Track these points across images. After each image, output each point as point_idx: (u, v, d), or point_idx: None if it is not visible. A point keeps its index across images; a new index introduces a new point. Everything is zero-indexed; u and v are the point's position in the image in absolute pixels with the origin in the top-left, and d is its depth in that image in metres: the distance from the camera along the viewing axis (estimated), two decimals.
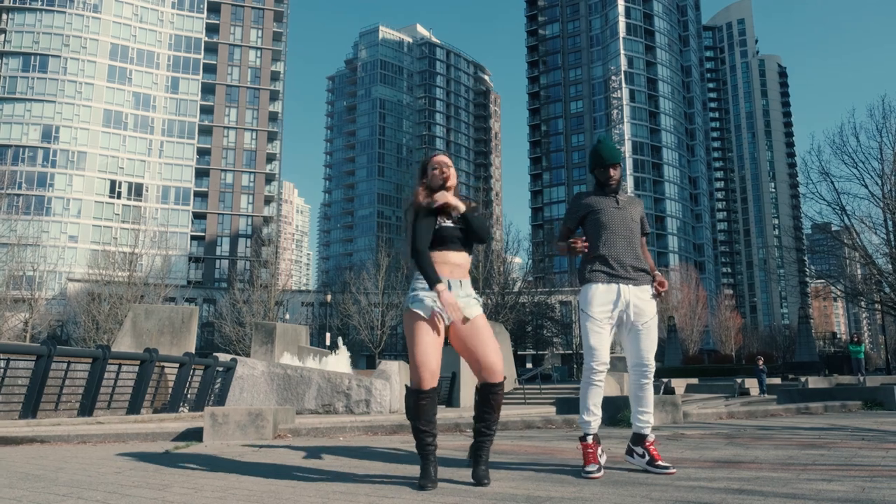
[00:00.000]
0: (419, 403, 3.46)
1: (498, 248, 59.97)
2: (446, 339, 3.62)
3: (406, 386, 3.55)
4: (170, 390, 13.44)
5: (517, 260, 68.98)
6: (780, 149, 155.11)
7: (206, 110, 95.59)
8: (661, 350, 75.00)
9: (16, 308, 49.25)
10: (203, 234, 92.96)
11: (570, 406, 7.45)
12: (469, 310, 3.56)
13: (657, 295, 4.08)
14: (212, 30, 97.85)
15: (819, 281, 45.01)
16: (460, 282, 3.60)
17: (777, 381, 26.63)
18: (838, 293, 42.34)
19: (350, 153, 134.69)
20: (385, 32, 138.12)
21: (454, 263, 3.61)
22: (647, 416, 4.05)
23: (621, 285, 3.95)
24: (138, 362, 12.20)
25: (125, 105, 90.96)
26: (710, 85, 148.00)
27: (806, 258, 61.34)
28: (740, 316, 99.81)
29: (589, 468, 3.74)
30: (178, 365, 13.24)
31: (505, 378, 3.64)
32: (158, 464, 4.44)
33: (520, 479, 3.69)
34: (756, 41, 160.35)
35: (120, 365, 12.01)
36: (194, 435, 5.81)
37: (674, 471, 3.81)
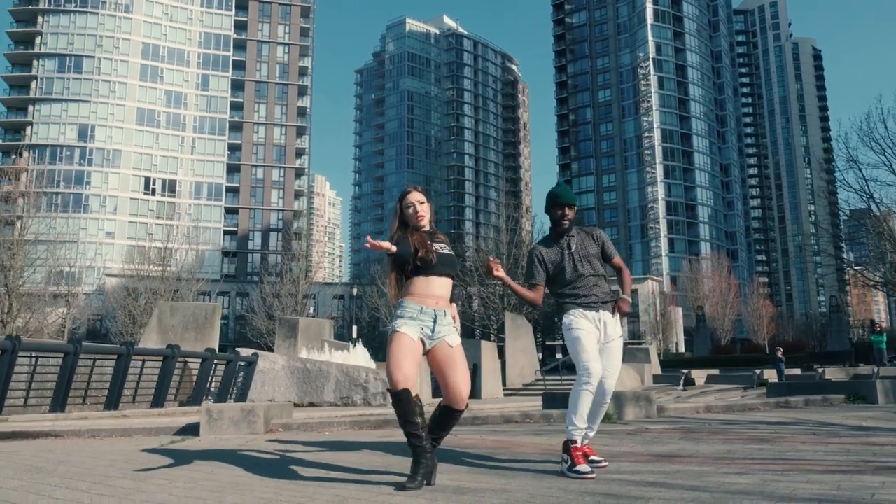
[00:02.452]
0: (395, 404, 3.63)
1: (527, 239, 60.10)
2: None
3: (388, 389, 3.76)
4: (194, 384, 14.06)
5: None
6: (815, 134, 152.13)
7: (236, 107, 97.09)
8: (689, 340, 74.58)
9: (55, 304, 50.86)
10: (235, 228, 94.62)
11: (556, 401, 7.79)
12: (450, 337, 3.81)
13: (622, 315, 4.38)
14: (240, 27, 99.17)
15: (858, 268, 44.26)
16: (444, 311, 3.83)
17: (797, 371, 26.52)
18: (875, 280, 41.75)
19: (379, 146, 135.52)
20: (412, 24, 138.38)
21: (438, 295, 3.82)
22: (591, 432, 4.35)
23: (593, 312, 4.27)
24: (161, 358, 12.82)
25: (157, 103, 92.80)
26: (742, 70, 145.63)
27: (843, 245, 60.38)
28: (774, 304, 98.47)
29: (581, 468, 3.83)
30: (200, 360, 13.84)
31: (467, 405, 3.90)
32: (150, 456, 4.90)
33: (463, 472, 4.06)
34: (790, 24, 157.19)
35: (143, 361, 12.62)
36: (193, 430, 6.29)
37: (605, 464, 4.14)
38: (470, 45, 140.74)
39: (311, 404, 15.19)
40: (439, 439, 3.93)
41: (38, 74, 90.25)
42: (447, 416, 3.85)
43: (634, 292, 79.26)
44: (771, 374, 24.33)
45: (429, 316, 3.77)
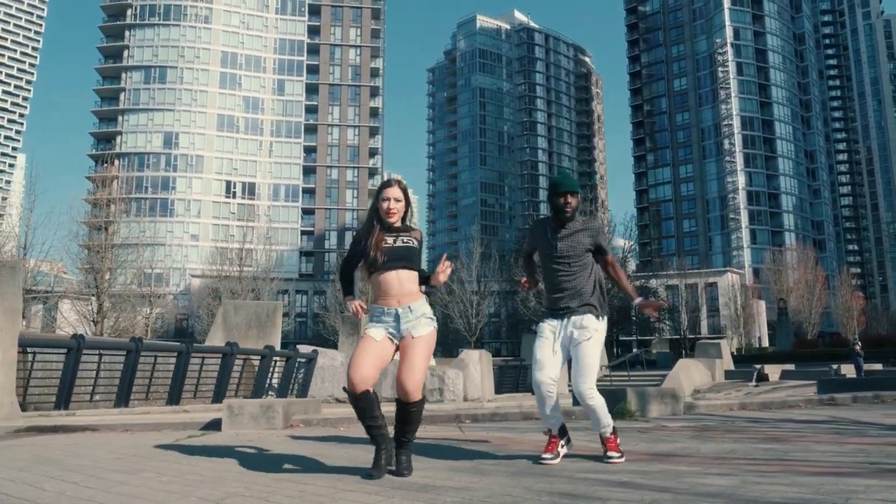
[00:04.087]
0: (355, 406, 3.84)
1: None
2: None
3: (343, 388, 3.93)
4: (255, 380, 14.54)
5: (618, 242, 68.14)
6: None
7: (311, 110, 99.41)
8: (773, 334, 71.76)
9: (143, 304, 53.41)
10: (312, 228, 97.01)
11: None
12: (416, 329, 3.87)
13: (654, 318, 4.36)
14: (313, 31, 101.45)
15: None
16: (409, 307, 3.88)
17: (879, 366, 25.11)
18: None
19: (452, 143, 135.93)
20: (483, 21, 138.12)
21: (397, 294, 3.88)
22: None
23: (557, 321, 4.27)
24: (220, 355, 13.29)
25: (236, 109, 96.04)
26: (829, 52, 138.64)
27: None
28: (866, 297, 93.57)
29: (545, 455, 4.13)
30: (260, 357, 14.33)
31: (424, 398, 3.96)
32: (159, 451, 5.08)
33: (443, 469, 4.04)
34: (880, 1, 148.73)
35: (203, 358, 13.12)
36: (217, 425, 6.50)
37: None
38: (541, 39, 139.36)
39: None
40: (410, 433, 3.93)
41: (126, 86, 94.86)
42: (402, 408, 3.90)
43: (713, 285, 76.78)
44: (850, 370, 23.15)
45: (391, 316, 3.90)
